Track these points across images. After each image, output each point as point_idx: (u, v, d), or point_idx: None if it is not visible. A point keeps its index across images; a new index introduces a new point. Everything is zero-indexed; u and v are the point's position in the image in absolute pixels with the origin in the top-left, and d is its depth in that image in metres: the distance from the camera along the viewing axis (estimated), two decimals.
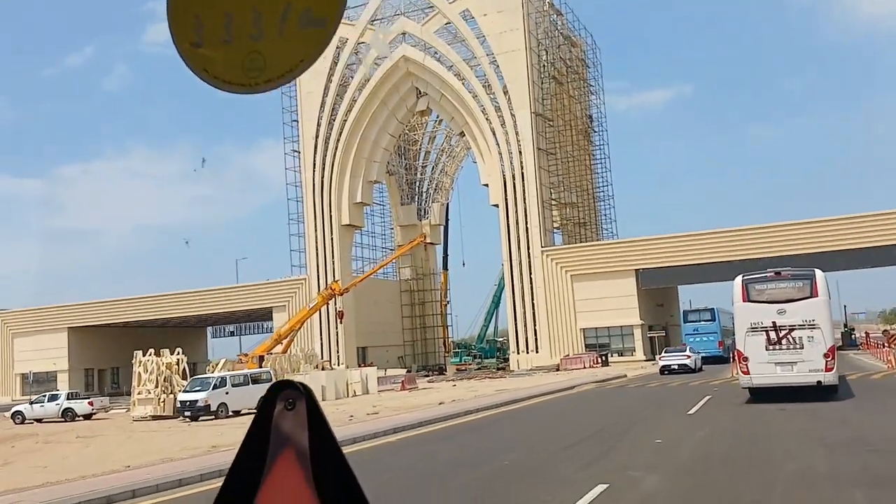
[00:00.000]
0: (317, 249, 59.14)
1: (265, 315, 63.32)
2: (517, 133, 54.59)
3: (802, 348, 19.53)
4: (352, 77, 58.82)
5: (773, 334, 19.79)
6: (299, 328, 51.33)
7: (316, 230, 59.34)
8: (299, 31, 1.54)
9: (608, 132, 67.30)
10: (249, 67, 1.56)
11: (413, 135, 73.97)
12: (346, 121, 58.65)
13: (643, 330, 50.91)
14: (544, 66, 57.62)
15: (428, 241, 72.29)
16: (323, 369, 45.15)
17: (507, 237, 54.78)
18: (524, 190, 54.44)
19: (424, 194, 73.46)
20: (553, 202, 61.29)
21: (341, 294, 51.06)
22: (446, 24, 56.83)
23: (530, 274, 53.60)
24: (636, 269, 50.97)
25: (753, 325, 20.09)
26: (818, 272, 20.18)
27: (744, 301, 20.49)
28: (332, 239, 58.81)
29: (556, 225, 63.63)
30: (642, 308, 51.61)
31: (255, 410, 1.18)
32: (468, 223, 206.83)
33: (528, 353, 53.44)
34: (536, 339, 53.35)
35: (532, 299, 53.49)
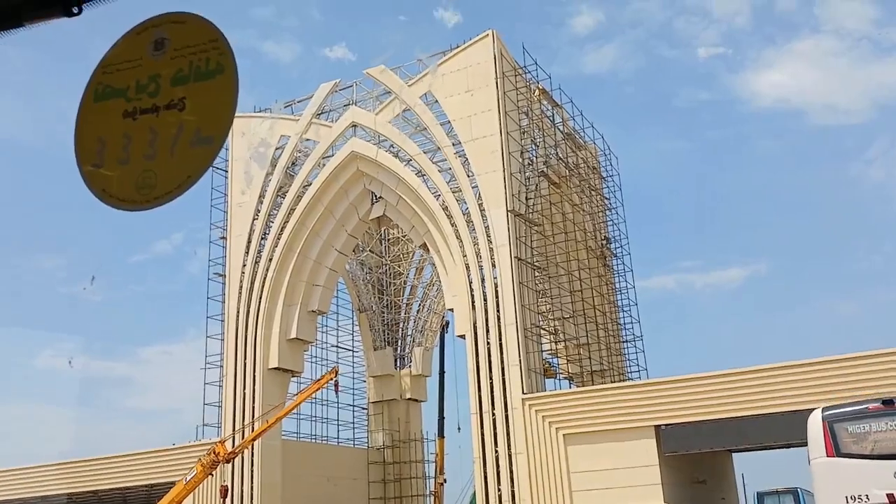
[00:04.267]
0: (234, 402, 44.52)
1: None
2: (489, 238, 40.58)
3: None
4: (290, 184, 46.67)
5: None
6: None
7: (236, 377, 45.04)
8: (189, 149, 1.85)
9: (631, 256, 52.64)
10: (141, 185, 1.84)
11: (397, 266, 60.84)
12: (280, 236, 45.88)
13: None
14: (531, 161, 44.44)
15: (409, 396, 57.01)
16: None
17: (477, 381, 39.33)
18: (499, 314, 39.57)
19: (408, 338, 59.01)
20: (551, 336, 45.98)
21: (228, 461, 35.96)
22: (404, 110, 44.87)
23: (507, 432, 37.53)
24: (656, 426, 34.49)
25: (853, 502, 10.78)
26: None
27: (830, 455, 11.84)
28: (254, 388, 44.25)
29: (562, 373, 48.04)
30: (669, 484, 34.53)
31: None
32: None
33: None
34: None
35: (510, 469, 37.06)
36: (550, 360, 48.16)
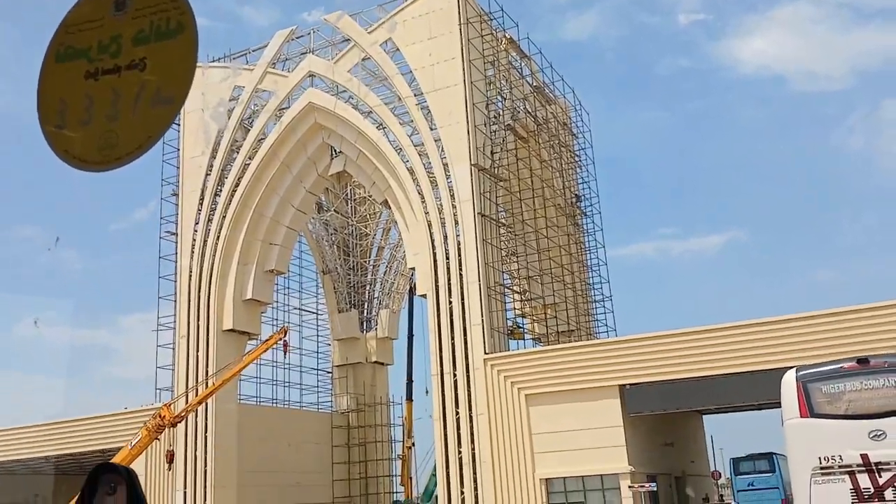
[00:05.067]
0: (188, 365, 42.73)
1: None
2: (452, 193, 38.78)
3: None
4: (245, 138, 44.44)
5: (864, 479, 10.30)
6: None
7: (189, 339, 43.19)
8: (150, 109, 1.91)
9: (601, 215, 51.15)
10: (103, 146, 1.91)
11: (363, 227, 58.95)
12: (234, 192, 43.79)
13: (635, 481, 32.29)
14: (497, 114, 42.53)
15: (375, 359, 55.48)
16: None
17: (438, 342, 37.75)
18: (461, 272, 37.92)
19: (374, 300, 57.31)
20: (516, 295, 44.51)
21: (174, 424, 34.27)
22: (363, 59, 42.68)
23: (468, 392, 36.07)
24: (621, 386, 33.13)
25: (826, 464, 10.72)
26: None
27: (804, 416, 11.34)
28: (207, 350, 42.45)
29: (529, 334, 46.66)
30: (635, 446, 33.29)
31: None
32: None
33: None
34: (477, 495, 35.07)
35: (471, 433, 35.67)
36: (518, 322, 46.79)
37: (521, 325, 46.87)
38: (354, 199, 58.62)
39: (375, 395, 54.65)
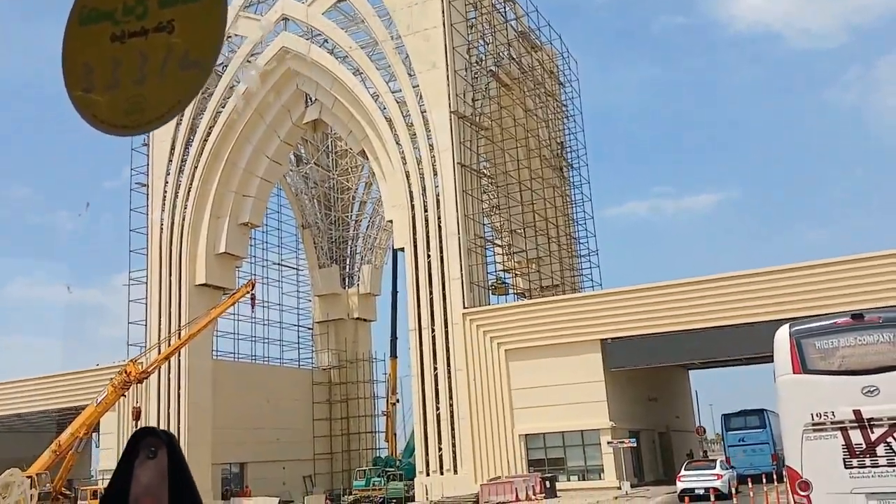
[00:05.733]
0: (160, 320, 41.49)
1: None
2: (430, 142, 37.24)
3: None
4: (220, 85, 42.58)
5: (856, 436, 10.39)
6: (85, 436, 33.31)
7: (161, 294, 41.89)
8: (179, 73, 1.90)
9: (588, 168, 49.73)
10: (131, 110, 1.92)
11: (345, 181, 57.40)
12: (206, 142, 42.09)
13: (616, 437, 31.35)
14: (480, 59, 40.78)
15: (357, 315, 54.39)
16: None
17: (416, 296, 36.55)
18: (440, 224, 36.56)
19: (357, 256, 56.03)
20: (500, 250, 43.30)
21: (140, 381, 33.13)
22: (339, 1, 40.72)
23: (447, 348, 34.97)
24: (602, 340, 32.04)
25: (818, 420, 10.60)
26: None
27: (796, 372, 10.99)
28: (179, 305, 41.17)
29: (514, 289, 45.50)
30: (616, 401, 32.33)
31: None
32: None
33: (442, 473, 34.24)
34: (455, 452, 34.20)
35: (449, 389, 34.66)
36: (502, 276, 45.60)
37: (504, 280, 45.71)
38: (335, 152, 57.00)
39: (358, 351, 53.67)
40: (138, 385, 34.25)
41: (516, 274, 45.11)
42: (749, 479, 26.02)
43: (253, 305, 36.81)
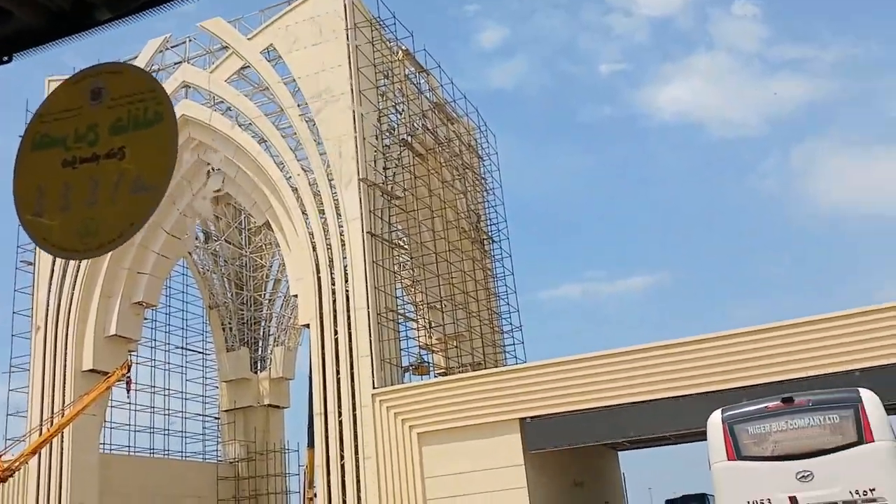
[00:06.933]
0: (42, 410, 37.37)
1: None
2: (338, 212, 35.07)
3: None
4: None
5: None
6: None
7: (44, 381, 37.92)
8: (130, 196, 1.94)
9: (510, 240, 48.22)
10: (83, 233, 1.92)
11: (258, 258, 54.60)
12: None
13: None
14: (392, 128, 39.24)
15: (268, 402, 50.73)
16: None
17: (322, 376, 33.63)
18: (348, 297, 34.04)
19: (270, 337, 52.76)
20: (422, 328, 40.88)
21: (3, 479, 29.11)
22: (242, 68, 38.97)
23: (355, 434, 31.91)
24: (521, 419, 29.55)
25: None
26: (866, 393, 10.93)
27: (731, 459, 11.49)
28: (63, 393, 37.23)
29: (435, 368, 42.91)
30: (538, 487, 29.60)
31: None
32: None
33: None
34: None
35: (357, 479, 31.43)
36: (423, 356, 43.06)
37: (425, 361, 43.16)
38: (249, 228, 54.37)
39: (269, 441, 49.80)
40: (2, 484, 30.13)
41: (437, 351, 42.64)
42: None
43: (129, 389, 33.31)
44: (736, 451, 11.72)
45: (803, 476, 10.85)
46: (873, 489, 10.16)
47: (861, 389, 11.81)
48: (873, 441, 10.66)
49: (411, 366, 40.04)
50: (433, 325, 41.40)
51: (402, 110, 40.29)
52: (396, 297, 37.19)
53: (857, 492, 10.19)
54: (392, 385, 33.16)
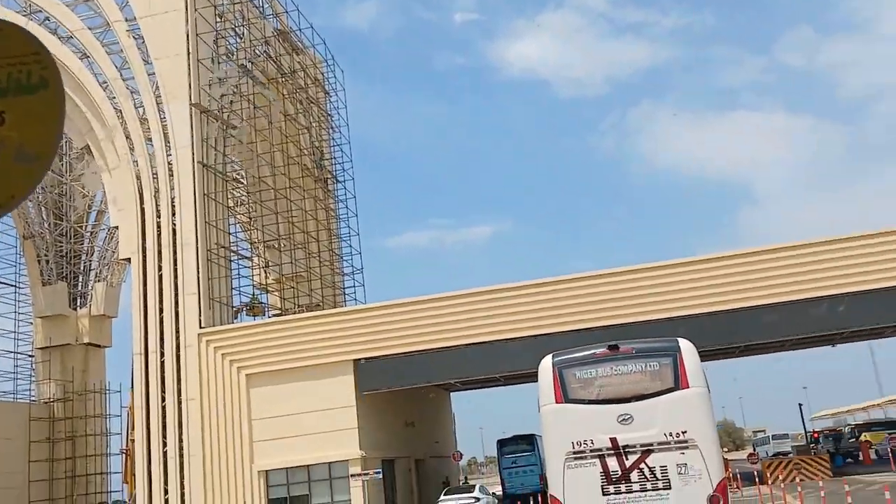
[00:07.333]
0: None
1: None
2: (167, 138, 32.61)
3: (669, 488, 10.93)
4: None
5: (612, 463, 11.29)
6: None
7: None
8: (13, 165, 1.81)
9: (354, 181, 47.07)
10: None
11: (81, 187, 50.34)
12: None
13: (367, 467, 28.34)
14: (230, 51, 36.77)
15: (88, 340, 47.48)
16: None
17: (143, 314, 31.55)
18: (175, 231, 31.93)
19: (91, 272, 49.13)
20: (258, 267, 39.26)
21: None
22: None
23: (178, 374, 30.27)
24: (355, 360, 29.04)
25: (578, 449, 11.49)
26: (684, 343, 11.80)
27: (559, 402, 11.95)
28: None
29: (271, 309, 41.50)
30: (369, 428, 29.38)
31: None
32: None
33: None
34: (184, 495, 29.48)
35: (180, 421, 29.94)
36: (258, 296, 41.49)
37: (261, 301, 41.65)
38: (71, 154, 49.92)
39: (88, 382, 46.72)
40: None
41: (273, 292, 41.23)
42: (518, 501, 25.34)
43: None
44: (564, 395, 12.20)
45: (624, 419, 11.55)
46: (685, 431, 10.95)
47: (680, 339, 12.41)
48: (688, 387, 11.39)
49: (245, 306, 38.54)
50: (270, 264, 39.97)
51: (243, 34, 37.90)
52: (230, 234, 35.39)
53: (671, 434, 10.93)
54: (221, 325, 31.67)
